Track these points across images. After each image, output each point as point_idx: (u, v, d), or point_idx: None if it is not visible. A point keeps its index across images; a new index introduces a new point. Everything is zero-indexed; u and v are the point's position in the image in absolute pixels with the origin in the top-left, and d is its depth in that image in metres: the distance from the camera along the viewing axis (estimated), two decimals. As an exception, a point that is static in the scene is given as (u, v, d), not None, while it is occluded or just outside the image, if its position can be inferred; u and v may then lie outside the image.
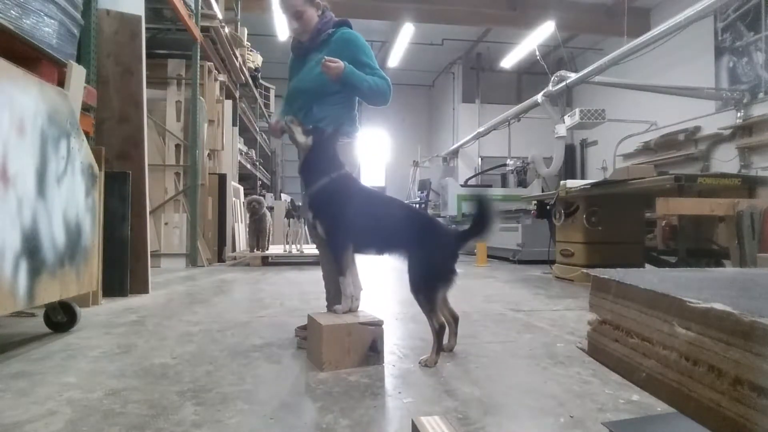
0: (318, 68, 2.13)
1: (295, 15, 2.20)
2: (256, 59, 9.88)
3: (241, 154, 8.86)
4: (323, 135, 2.10)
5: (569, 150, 11.69)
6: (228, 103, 7.78)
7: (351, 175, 2.18)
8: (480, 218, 2.02)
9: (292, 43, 2.37)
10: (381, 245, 2.06)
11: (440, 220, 11.03)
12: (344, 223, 2.02)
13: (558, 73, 8.83)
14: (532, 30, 9.84)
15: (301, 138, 2.11)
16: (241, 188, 8.61)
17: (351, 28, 2.31)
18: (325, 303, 2.34)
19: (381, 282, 4.71)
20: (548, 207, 5.37)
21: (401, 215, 2.13)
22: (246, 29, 9.43)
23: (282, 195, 12.18)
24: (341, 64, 2.07)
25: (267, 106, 11.75)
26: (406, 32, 10.41)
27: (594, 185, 4.72)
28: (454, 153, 13.62)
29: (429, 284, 1.94)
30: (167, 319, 2.80)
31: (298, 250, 6.82)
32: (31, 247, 1.97)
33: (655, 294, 0.67)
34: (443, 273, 1.96)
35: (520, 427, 1.38)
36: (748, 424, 0.50)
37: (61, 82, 2.49)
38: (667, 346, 0.63)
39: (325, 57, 2.07)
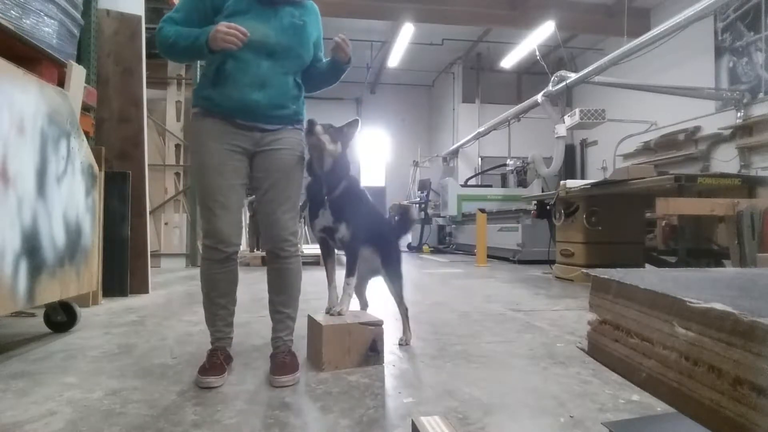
0: (308, 31, 1.84)
1: None
2: (256, 59, 9.85)
3: (241, 154, 8.85)
4: (346, 135, 1.94)
5: (569, 150, 11.67)
6: (228, 103, 7.78)
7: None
8: (403, 222, 2.47)
9: None
10: (375, 242, 2.19)
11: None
12: (363, 223, 2.08)
13: (558, 73, 8.82)
14: (532, 30, 9.83)
15: (331, 146, 1.87)
16: (241, 188, 8.61)
17: None
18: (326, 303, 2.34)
19: (380, 282, 4.70)
20: (548, 207, 5.37)
21: (376, 213, 2.33)
22: (246, 29, 9.41)
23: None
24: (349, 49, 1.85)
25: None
26: (406, 32, 10.39)
27: (594, 185, 4.72)
28: (454, 153, 13.61)
29: (401, 276, 2.35)
30: (167, 319, 2.80)
31: (298, 250, 6.81)
32: (31, 247, 1.97)
33: (655, 294, 0.66)
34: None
35: (520, 427, 1.38)
36: (748, 424, 0.50)
37: (61, 82, 2.49)
38: (667, 346, 0.63)
39: (340, 35, 1.81)
